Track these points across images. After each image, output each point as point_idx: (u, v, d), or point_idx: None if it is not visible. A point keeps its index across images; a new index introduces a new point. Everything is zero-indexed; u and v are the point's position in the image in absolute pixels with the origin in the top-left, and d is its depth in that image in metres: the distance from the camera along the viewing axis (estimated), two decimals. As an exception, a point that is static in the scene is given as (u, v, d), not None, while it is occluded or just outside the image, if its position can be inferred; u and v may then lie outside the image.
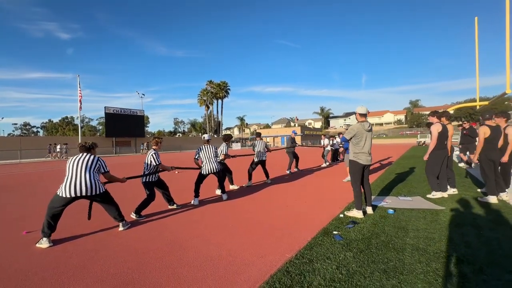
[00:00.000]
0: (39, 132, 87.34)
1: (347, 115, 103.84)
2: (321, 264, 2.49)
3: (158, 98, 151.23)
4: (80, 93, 28.02)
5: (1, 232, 3.80)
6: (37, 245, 3.17)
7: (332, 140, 11.84)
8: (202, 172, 5.22)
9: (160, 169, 4.49)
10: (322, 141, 11.86)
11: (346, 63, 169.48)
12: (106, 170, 3.57)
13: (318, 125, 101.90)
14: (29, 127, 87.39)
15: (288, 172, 9.07)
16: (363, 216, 3.85)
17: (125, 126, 35.58)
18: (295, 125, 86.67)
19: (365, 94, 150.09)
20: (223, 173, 5.88)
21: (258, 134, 7.65)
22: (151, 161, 4.36)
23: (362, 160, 3.87)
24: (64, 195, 3.19)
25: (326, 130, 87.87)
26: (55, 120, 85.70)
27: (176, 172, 4.31)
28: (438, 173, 4.86)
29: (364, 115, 3.93)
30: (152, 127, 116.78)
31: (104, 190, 3.49)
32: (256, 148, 7.09)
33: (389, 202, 4.67)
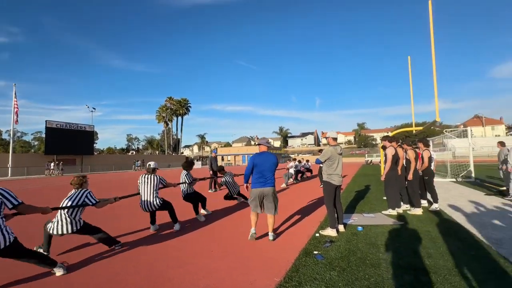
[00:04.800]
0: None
1: (303, 135, 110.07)
2: (310, 285, 2.56)
3: (109, 113, 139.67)
4: (16, 104, 24.59)
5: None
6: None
7: (298, 162, 13.90)
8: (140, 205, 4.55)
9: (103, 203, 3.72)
10: (288, 164, 12.98)
11: (302, 86, 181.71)
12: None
13: (277, 144, 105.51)
14: None
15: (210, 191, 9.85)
16: (337, 234, 4.08)
17: (69, 143, 31.91)
18: (255, 143, 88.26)
19: (318, 116, 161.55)
20: (194, 200, 5.57)
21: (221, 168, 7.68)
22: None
23: (335, 181, 4.18)
24: None
25: (285, 149, 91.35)
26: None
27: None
28: (395, 192, 5.48)
29: (336, 139, 4.31)
30: (101, 144, 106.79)
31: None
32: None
33: (356, 219, 5.05)
